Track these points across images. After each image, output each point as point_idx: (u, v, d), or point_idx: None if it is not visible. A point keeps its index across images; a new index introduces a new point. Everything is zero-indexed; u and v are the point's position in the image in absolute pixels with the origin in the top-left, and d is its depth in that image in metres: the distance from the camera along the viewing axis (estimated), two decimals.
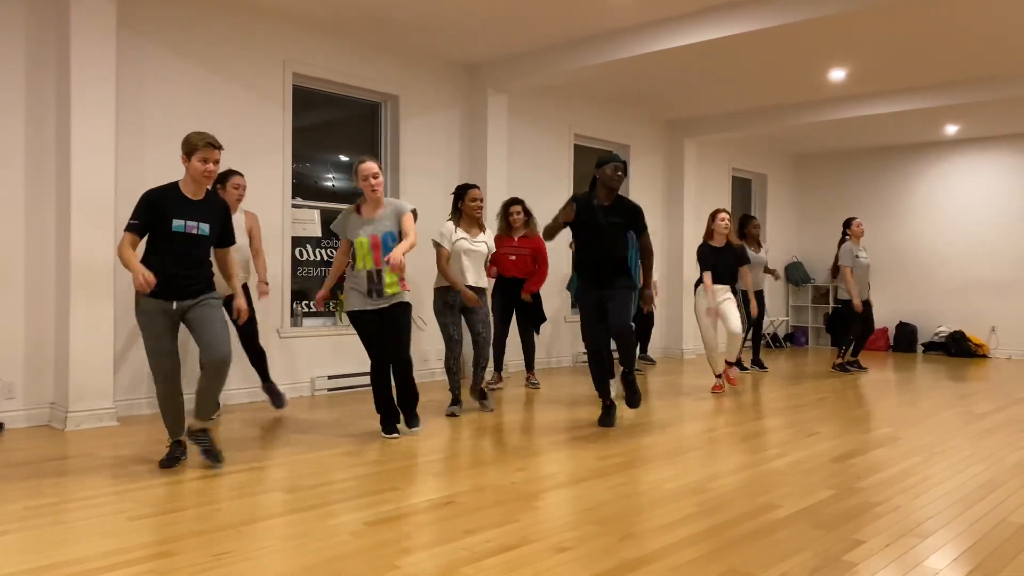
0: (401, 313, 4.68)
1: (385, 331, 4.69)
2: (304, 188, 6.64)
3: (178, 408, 3.99)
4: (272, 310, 6.26)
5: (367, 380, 6.83)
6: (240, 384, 6.06)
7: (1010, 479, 4.01)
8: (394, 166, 7.20)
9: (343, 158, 7.00)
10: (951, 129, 10.23)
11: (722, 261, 6.59)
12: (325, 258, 6.79)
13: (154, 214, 3.80)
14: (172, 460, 4.00)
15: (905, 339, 11.21)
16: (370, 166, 4.56)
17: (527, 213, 6.69)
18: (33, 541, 2.91)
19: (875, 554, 2.89)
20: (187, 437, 4.05)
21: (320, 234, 6.72)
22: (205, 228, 3.90)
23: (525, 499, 3.54)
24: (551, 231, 5.09)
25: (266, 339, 6.20)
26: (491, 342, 5.58)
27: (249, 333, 5.36)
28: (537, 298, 6.80)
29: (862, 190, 11.94)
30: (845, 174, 12.14)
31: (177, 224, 3.82)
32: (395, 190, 7.19)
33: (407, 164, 7.22)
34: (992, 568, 2.77)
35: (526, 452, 4.48)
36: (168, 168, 5.61)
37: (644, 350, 8.67)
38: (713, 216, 6.69)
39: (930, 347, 11.04)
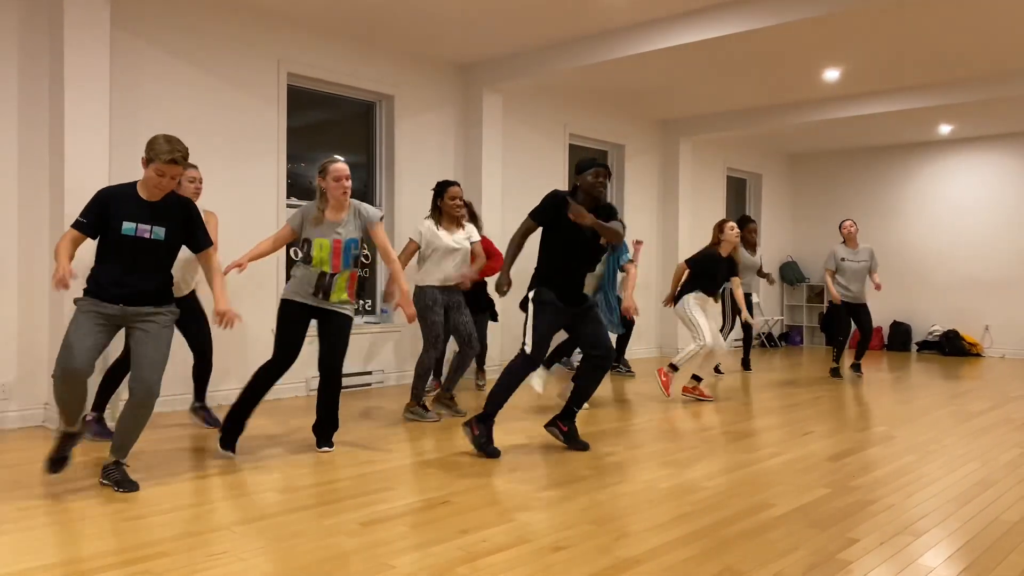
0: (345, 323, 4.37)
1: (323, 338, 4.35)
2: (299, 188, 6.63)
3: (80, 397, 3.49)
4: (267, 310, 6.25)
5: (361, 380, 6.83)
6: (234, 384, 6.06)
7: (1003, 478, 4.03)
8: (389, 166, 7.20)
9: (338, 158, 6.96)
10: (945, 129, 10.26)
11: (721, 272, 6.50)
12: None
13: (104, 214, 3.46)
14: (60, 461, 3.64)
15: (899, 338, 11.24)
16: (344, 167, 4.37)
17: (472, 215, 6.29)
18: (28, 542, 2.90)
19: (869, 552, 2.90)
20: (102, 473, 3.65)
21: None
22: (160, 232, 3.51)
23: (520, 499, 3.54)
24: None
25: (262, 339, 6.19)
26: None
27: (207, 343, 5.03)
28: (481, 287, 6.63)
29: (856, 190, 11.97)
30: (839, 174, 12.17)
31: (127, 227, 3.45)
32: (389, 190, 7.18)
33: (402, 164, 7.21)
34: (985, 566, 2.78)
35: (520, 452, 4.48)
36: None
37: (621, 355, 8.56)
38: (721, 226, 6.44)
39: (924, 346, 11.07)
